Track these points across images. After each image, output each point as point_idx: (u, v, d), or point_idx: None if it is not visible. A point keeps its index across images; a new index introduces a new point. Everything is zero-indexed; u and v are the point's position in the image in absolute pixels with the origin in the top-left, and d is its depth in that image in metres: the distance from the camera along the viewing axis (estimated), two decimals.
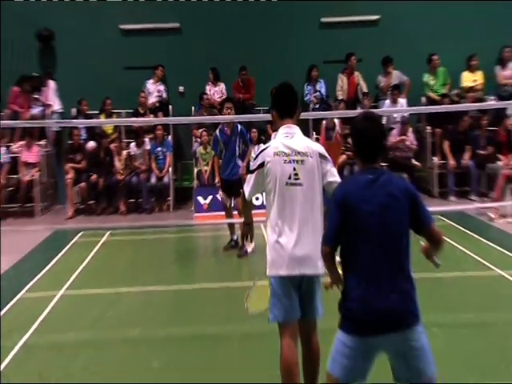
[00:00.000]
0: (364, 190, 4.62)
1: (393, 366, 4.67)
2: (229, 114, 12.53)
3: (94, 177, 17.10)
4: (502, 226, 14.13)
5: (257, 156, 5.91)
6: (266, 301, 5.86)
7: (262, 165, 5.77)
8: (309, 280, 5.73)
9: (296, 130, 5.91)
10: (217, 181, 14.81)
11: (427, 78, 18.18)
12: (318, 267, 5.55)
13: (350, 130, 5.15)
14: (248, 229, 6.54)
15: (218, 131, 13.01)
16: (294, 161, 5.70)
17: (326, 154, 5.89)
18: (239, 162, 12.51)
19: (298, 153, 5.73)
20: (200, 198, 16.37)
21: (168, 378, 7.27)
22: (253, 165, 5.92)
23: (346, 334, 4.57)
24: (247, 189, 5.93)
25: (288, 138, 5.82)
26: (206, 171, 17.06)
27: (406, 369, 4.60)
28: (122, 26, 18.74)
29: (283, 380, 5.74)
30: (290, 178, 5.69)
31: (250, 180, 5.89)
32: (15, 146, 17.83)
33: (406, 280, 4.61)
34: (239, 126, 12.79)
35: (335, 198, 4.76)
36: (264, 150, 5.89)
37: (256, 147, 15.22)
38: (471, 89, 17.88)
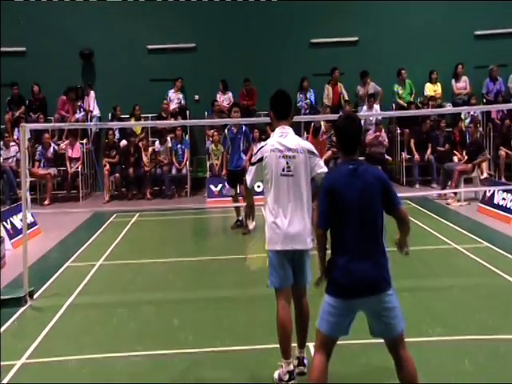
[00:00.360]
0: (346, 178, 4.68)
1: (369, 323, 4.77)
2: (236, 116, 12.51)
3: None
4: (456, 208, 14.20)
5: (257, 152, 5.92)
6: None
7: (261, 159, 5.80)
8: (299, 253, 5.76)
9: (289, 130, 5.91)
10: (223, 173, 14.80)
11: (397, 88, 18.17)
12: (307, 243, 5.66)
13: (334, 127, 5.16)
14: (250, 210, 6.52)
15: (226, 130, 13.17)
16: (286, 156, 5.73)
17: (314, 150, 5.92)
18: (243, 156, 12.59)
19: (290, 149, 5.75)
20: (212, 186, 16.48)
21: (185, 332, 7.30)
22: (253, 159, 5.93)
23: (332, 297, 4.64)
24: (248, 178, 5.95)
25: (282, 137, 5.83)
26: (216, 164, 17.13)
27: (380, 325, 4.70)
28: (149, 46, 18.74)
29: (279, 334, 5.78)
30: (283, 170, 5.71)
31: (251, 171, 5.91)
32: (62, 144, 17.86)
33: (381, 253, 4.67)
34: (244, 127, 12.92)
35: (324, 187, 4.81)
36: (263, 147, 5.91)
37: (258, 144, 15.01)
38: (432, 97, 17.85)
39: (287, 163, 5.71)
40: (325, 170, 5.81)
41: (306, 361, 5.83)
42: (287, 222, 5.68)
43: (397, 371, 4.76)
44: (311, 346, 5.64)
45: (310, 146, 5.97)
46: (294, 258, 5.77)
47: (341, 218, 4.67)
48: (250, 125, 12.65)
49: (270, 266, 5.77)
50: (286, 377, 5.75)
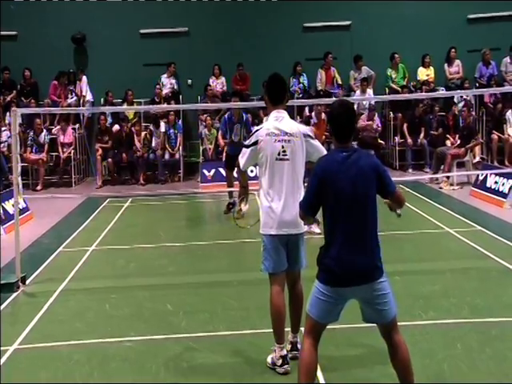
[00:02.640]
0: (339, 166, 4.58)
1: (362, 310, 4.74)
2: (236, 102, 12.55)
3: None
4: (449, 192, 14.25)
5: (251, 135, 5.89)
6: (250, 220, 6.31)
7: (255, 143, 5.75)
8: (294, 238, 5.73)
9: (285, 114, 5.85)
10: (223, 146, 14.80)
11: (390, 72, 18.18)
12: (301, 227, 5.63)
13: (328, 115, 5.11)
14: (244, 190, 6.51)
15: (226, 116, 13.23)
16: (282, 140, 5.67)
17: (310, 133, 5.88)
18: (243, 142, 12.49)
19: (286, 133, 5.69)
20: (205, 171, 16.51)
21: (178, 317, 7.31)
22: (248, 142, 5.90)
23: (322, 284, 4.61)
24: (242, 161, 5.91)
25: (278, 121, 5.77)
26: (210, 149, 17.18)
27: (372, 312, 4.68)
28: (141, 31, 18.68)
29: (272, 319, 5.77)
30: (279, 154, 5.66)
31: (245, 154, 5.85)
32: (54, 130, 17.78)
33: (373, 241, 4.62)
34: (245, 116, 12.86)
35: (315, 172, 4.72)
36: (258, 130, 5.87)
37: (252, 128, 15.05)
38: (425, 81, 17.89)
39: (283, 147, 5.67)
40: (322, 150, 5.76)
41: (299, 345, 5.78)
42: (282, 207, 5.64)
43: (390, 356, 4.76)
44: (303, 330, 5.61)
45: (305, 129, 5.98)
46: (289, 242, 5.75)
47: (333, 206, 4.59)
48: (242, 108, 12.56)
49: (264, 250, 5.76)
50: (280, 361, 5.76)
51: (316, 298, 4.66)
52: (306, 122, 16.66)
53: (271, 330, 5.80)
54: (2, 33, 18.13)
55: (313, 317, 4.71)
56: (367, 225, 4.62)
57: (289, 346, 5.95)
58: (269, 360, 5.87)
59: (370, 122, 17.11)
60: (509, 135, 16.74)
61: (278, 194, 5.68)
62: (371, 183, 4.61)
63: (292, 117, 6.03)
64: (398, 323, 4.81)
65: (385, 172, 4.74)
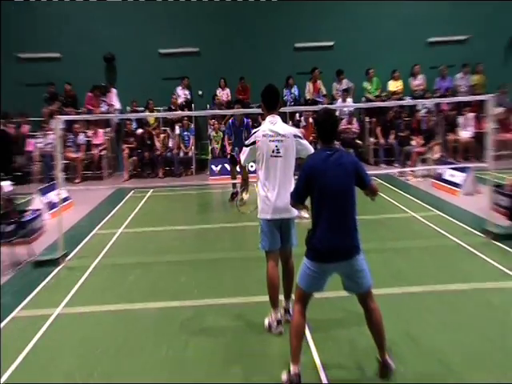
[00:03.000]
0: (324, 162, 4.55)
1: (343, 282, 4.73)
2: (238, 109, 12.54)
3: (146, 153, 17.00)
4: (414, 183, 14.11)
5: (250, 136, 5.80)
6: (250, 207, 6.33)
7: (254, 142, 5.69)
8: (286, 221, 5.67)
9: (278, 118, 5.76)
10: (228, 150, 14.61)
11: (365, 85, 17.98)
12: (292, 212, 5.53)
13: (314, 120, 5.00)
14: (245, 183, 6.46)
15: (231, 121, 13.08)
16: (276, 140, 5.61)
17: (300, 134, 5.79)
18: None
19: (279, 134, 5.62)
20: (213, 166, 16.42)
21: (190, 288, 7.27)
22: (247, 142, 5.80)
23: (310, 261, 4.60)
24: (242, 157, 5.85)
25: (272, 124, 5.69)
26: (216, 148, 17.05)
27: (351, 283, 4.68)
28: (160, 51, 18.53)
29: (268, 289, 5.72)
30: (273, 152, 5.60)
31: (245, 152, 5.79)
32: (89, 133, 17.65)
33: (352, 225, 4.58)
34: (246, 121, 12.71)
35: (304, 168, 4.67)
36: (256, 132, 5.77)
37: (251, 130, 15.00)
38: (394, 92, 17.79)
39: (276, 146, 5.60)
40: (310, 149, 5.69)
41: (291, 310, 5.71)
42: (276, 195, 5.58)
43: (366, 319, 4.74)
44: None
45: (295, 131, 5.87)
46: (282, 225, 5.68)
47: (319, 196, 4.54)
48: (243, 114, 12.47)
49: (262, 232, 5.70)
50: (275, 323, 5.72)
51: (304, 272, 4.65)
52: (297, 125, 16.63)
53: (268, 298, 5.74)
54: (49, 55, 18.17)
55: (302, 287, 4.70)
56: (347, 212, 4.57)
57: (282, 311, 5.88)
58: (266, 323, 5.81)
59: (349, 126, 16.99)
60: (461, 137, 16.68)
61: (272, 185, 5.61)
62: (351, 177, 4.58)
63: (285, 121, 5.96)
64: (373, 292, 4.76)
65: (362, 168, 4.71)
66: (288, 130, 5.75)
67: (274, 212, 5.60)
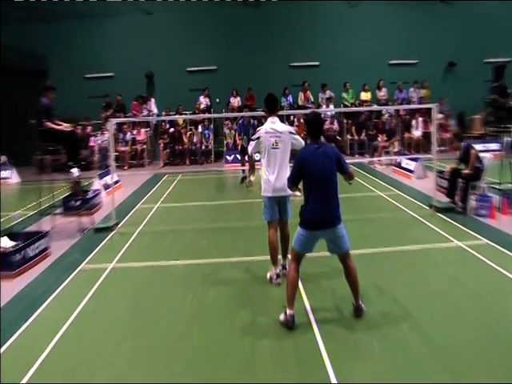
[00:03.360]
0: (312, 154, 4.48)
1: (327, 245, 4.64)
2: (246, 112, 12.50)
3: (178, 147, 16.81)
4: (380, 170, 13.77)
5: (256, 133, 5.65)
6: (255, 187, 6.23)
7: (258, 137, 5.53)
8: (283, 198, 5.51)
9: (277, 119, 5.60)
10: (238, 143, 14.34)
11: (343, 95, 17.53)
12: (288, 191, 5.27)
13: (305, 121, 4.96)
14: (252, 168, 6.35)
15: (241, 122, 12.94)
16: (275, 136, 5.47)
17: (294, 131, 5.63)
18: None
19: (278, 132, 5.48)
20: (227, 156, 16.07)
21: (210, 249, 7.13)
22: (254, 137, 5.64)
23: (302, 229, 4.53)
24: (249, 148, 5.68)
25: (273, 124, 5.53)
26: (230, 142, 16.71)
27: (333, 246, 4.61)
28: (188, 69, 18.13)
29: (270, 250, 5.59)
30: (273, 145, 5.45)
31: (251, 144, 5.62)
32: (134, 132, 17.41)
33: (335, 201, 4.50)
34: (252, 121, 12.56)
35: (297, 158, 4.57)
36: (260, 129, 5.61)
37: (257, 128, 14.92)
38: (365, 101, 17.35)
39: (275, 141, 5.45)
40: (302, 143, 5.53)
41: (287, 267, 5.59)
42: (275, 178, 5.43)
43: (344, 274, 4.70)
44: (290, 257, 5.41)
45: (291, 129, 5.71)
46: (280, 201, 5.52)
47: (309, 179, 4.45)
48: (251, 116, 12.27)
49: (265, 206, 5.54)
50: (274, 276, 5.60)
51: (298, 238, 4.56)
52: (291, 124, 16.28)
53: (269, 257, 5.62)
54: (105, 74, 17.87)
55: (296, 250, 4.61)
56: (331, 191, 4.47)
57: (281, 267, 5.73)
58: (267, 276, 5.69)
59: (331, 126, 16.67)
60: (414, 135, 16.43)
61: (272, 171, 5.46)
62: (333, 165, 4.50)
63: (282, 121, 5.79)
64: (350, 252, 4.65)
65: (342, 158, 4.62)
66: (284, 128, 5.58)
67: (273, 191, 5.44)
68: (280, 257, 5.75)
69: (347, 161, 4.72)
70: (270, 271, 5.67)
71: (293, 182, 4.65)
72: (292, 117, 16.75)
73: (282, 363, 3.95)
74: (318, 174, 4.41)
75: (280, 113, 6.05)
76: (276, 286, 5.53)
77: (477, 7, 17.85)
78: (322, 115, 16.18)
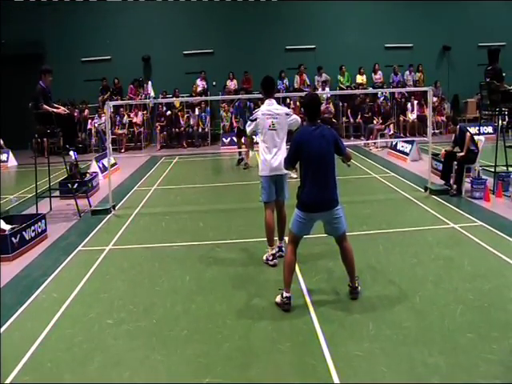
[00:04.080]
0: (309, 135, 4.33)
1: (324, 227, 4.55)
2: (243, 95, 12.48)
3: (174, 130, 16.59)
4: (375, 152, 13.67)
5: (253, 114, 5.61)
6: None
7: (255, 119, 5.46)
8: (280, 177, 5.46)
9: (274, 101, 5.51)
10: (235, 126, 14.20)
11: (339, 77, 17.33)
12: (284, 171, 5.27)
13: (301, 103, 4.83)
14: (251, 146, 6.36)
15: (237, 103, 12.91)
16: (272, 117, 5.41)
17: (290, 112, 5.61)
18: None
19: (274, 113, 5.43)
20: (224, 139, 15.95)
21: (207, 231, 7.02)
22: (251, 118, 5.56)
23: (299, 211, 4.41)
24: (248, 129, 5.62)
25: (270, 106, 5.47)
26: (226, 125, 16.49)
27: (330, 228, 4.51)
28: (184, 52, 17.80)
29: (266, 230, 5.53)
30: (269, 126, 5.41)
31: (249, 125, 5.55)
32: (131, 115, 17.18)
33: (333, 183, 4.38)
34: (248, 104, 12.60)
35: (294, 139, 4.41)
36: (257, 111, 5.57)
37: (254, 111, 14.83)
38: (360, 84, 17.15)
39: (272, 122, 5.39)
40: (298, 120, 5.54)
41: (283, 249, 5.52)
42: (271, 158, 5.37)
43: (341, 255, 4.60)
44: (286, 239, 5.33)
45: (287, 110, 5.69)
46: (277, 180, 5.45)
47: (306, 161, 4.32)
48: (247, 99, 12.15)
49: (262, 187, 5.47)
50: (271, 257, 5.54)
51: (296, 220, 4.44)
52: (287, 107, 16.10)
53: (265, 239, 5.54)
54: (102, 57, 17.54)
55: (294, 232, 4.49)
56: (328, 173, 4.35)
57: (277, 249, 5.65)
58: (264, 257, 5.62)
59: (327, 106, 16.44)
60: (409, 118, 16.29)
61: (269, 150, 5.41)
62: (331, 146, 4.36)
63: (279, 104, 5.68)
64: (347, 234, 4.56)
65: (339, 139, 4.49)
66: (281, 109, 5.52)
67: (270, 170, 5.38)
68: (276, 238, 5.66)
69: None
70: (266, 252, 5.59)
71: (289, 163, 4.52)
72: (288, 99, 16.57)
73: (277, 344, 3.89)
74: (315, 155, 4.27)
75: (277, 95, 5.97)
76: (272, 267, 5.46)
77: None
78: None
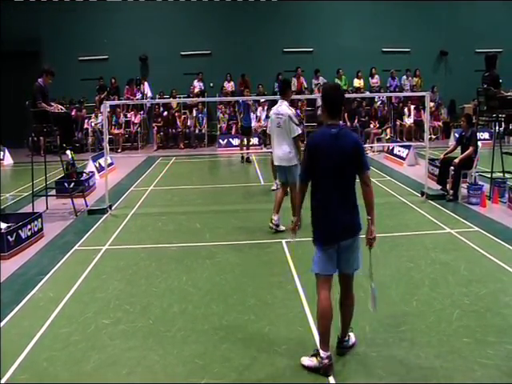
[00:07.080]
0: (329, 141, 3.37)
1: (338, 259, 3.54)
2: (247, 94, 12.81)
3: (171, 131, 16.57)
4: (372, 156, 13.56)
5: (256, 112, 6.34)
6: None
7: (269, 117, 7.01)
8: (284, 168, 6.48)
9: (284, 102, 6.53)
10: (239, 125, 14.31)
11: (336, 81, 17.26)
12: (285, 161, 6.39)
13: (321, 95, 3.53)
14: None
15: (241, 101, 13.38)
16: (277, 117, 6.44)
17: (293, 117, 6.42)
18: (251, 117, 13.37)
19: (280, 113, 6.47)
20: (220, 140, 15.91)
21: (204, 233, 7.02)
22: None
23: (318, 248, 3.52)
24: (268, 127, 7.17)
25: (279, 106, 6.52)
26: (223, 127, 16.55)
27: (344, 260, 3.56)
28: (181, 52, 17.75)
29: (275, 206, 6.54)
30: (277, 124, 6.46)
31: (267, 123, 6.71)
32: (129, 115, 17.13)
33: (353, 207, 3.50)
34: (246, 103, 12.96)
35: (308, 147, 3.49)
36: (272, 110, 6.75)
37: (258, 110, 15.56)
38: (358, 88, 17.23)
39: (278, 121, 6.42)
40: (297, 132, 6.37)
41: (279, 222, 5.52)
42: (275, 148, 6.52)
43: (341, 302, 3.70)
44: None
45: (291, 113, 6.43)
46: (280, 170, 6.58)
47: (321, 174, 3.42)
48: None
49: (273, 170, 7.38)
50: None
51: (318, 259, 3.54)
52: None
53: (263, 241, 5.57)
54: (99, 57, 17.46)
55: (317, 272, 3.55)
56: (348, 195, 3.49)
57: (274, 226, 5.72)
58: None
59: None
60: (406, 123, 16.36)
61: (275, 144, 6.55)
62: (352, 160, 3.41)
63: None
64: None
65: (363, 152, 3.49)
66: (286, 111, 6.36)
67: (276, 160, 6.56)
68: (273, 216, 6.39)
69: None
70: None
71: (305, 175, 3.53)
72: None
73: (274, 346, 3.88)
74: (334, 167, 3.38)
75: (272, 98, 6.58)
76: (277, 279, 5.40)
77: None
78: (316, 104, 16.15)
